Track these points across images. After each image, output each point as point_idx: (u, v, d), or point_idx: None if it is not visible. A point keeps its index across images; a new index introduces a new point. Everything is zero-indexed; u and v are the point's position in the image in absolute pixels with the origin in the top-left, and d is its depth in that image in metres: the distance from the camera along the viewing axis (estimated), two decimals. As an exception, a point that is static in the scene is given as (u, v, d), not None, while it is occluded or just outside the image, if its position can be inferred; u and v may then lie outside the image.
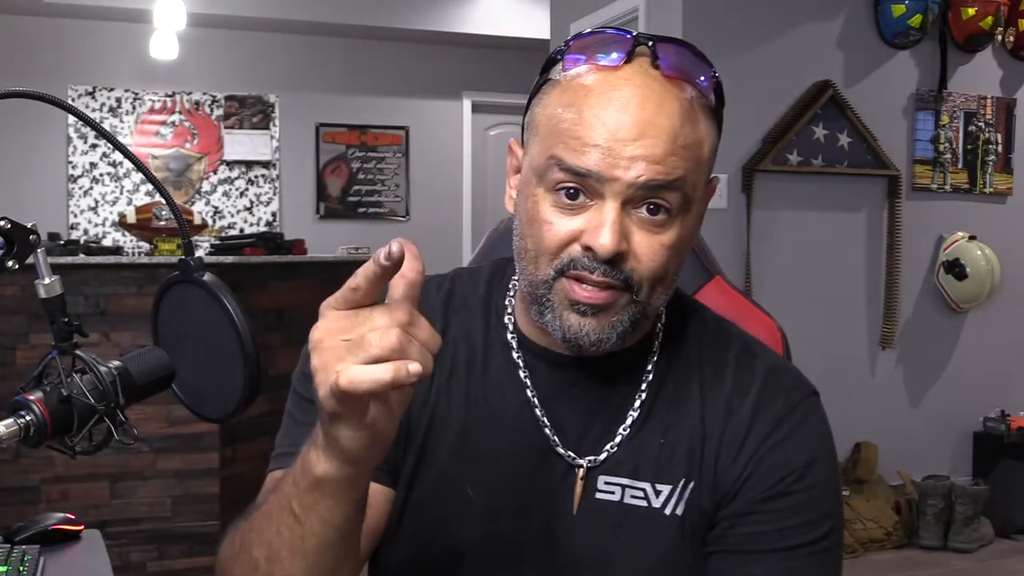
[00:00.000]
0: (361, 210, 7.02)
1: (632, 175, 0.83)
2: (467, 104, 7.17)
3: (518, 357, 0.96)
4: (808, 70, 3.99)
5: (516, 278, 0.97)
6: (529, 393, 0.95)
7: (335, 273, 4.11)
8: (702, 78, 0.88)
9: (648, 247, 0.86)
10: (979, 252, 4.15)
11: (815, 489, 0.91)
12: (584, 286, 0.86)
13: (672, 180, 0.84)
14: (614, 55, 0.86)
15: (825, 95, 3.95)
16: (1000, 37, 4.30)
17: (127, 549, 3.29)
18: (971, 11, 4.15)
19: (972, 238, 4.20)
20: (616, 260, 0.85)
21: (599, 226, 0.84)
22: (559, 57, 0.89)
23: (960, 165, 4.30)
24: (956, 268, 4.15)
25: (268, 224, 6.76)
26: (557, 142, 0.86)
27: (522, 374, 0.95)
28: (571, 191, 0.85)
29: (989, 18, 4.17)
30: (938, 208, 4.27)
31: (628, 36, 0.86)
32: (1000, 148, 4.38)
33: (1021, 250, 4.38)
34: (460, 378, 0.96)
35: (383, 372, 0.64)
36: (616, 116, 0.84)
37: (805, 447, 0.91)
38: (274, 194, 6.80)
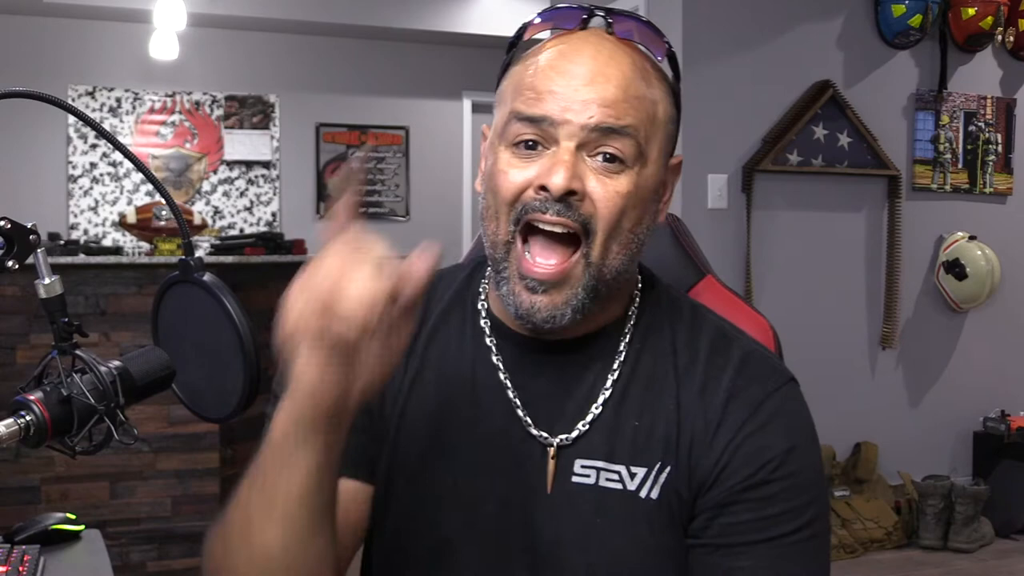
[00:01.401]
0: (361, 210, 7.01)
1: (584, 117, 0.86)
2: (467, 104, 7.16)
3: (491, 342, 0.97)
4: (808, 70, 3.99)
5: (490, 267, 0.99)
6: (501, 376, 0.95)
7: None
8: (655, 47, 0.94)
9: (603, 192, 0.87)
10: (979, 252, 4.15)
11: (796, 476, 0.89)
12: (537, 256, 0.88)
13: (623, 126, 0.87)
14: (570, 23, 0.92)
15: (825, 95, 3.94)
16: (1000, 37, 4.30)
17: (127, 549, 3.29)
18: (971, 11, 4.15)
19: (972, 238, 4.20)
20: (571, 201, 0.86)
21: (554, 165, 0.86)
22: (520, 35, 0.96)
23: (960, 165, 4.30)
24: (956, 268, 4.15)
25: (268, 224, 6.76)
26: (516, 98, 0.90)
27: (495, 358, 0.96)
28: (529, 143, 0.88)
29: (989, 18, 4.17)
30: (938, 208, 4.27)
31: (583, 7, 0.92)
32: (1000, 148, 4.38)
33: (1021, 250, 4.38)
34: (433, 366, 0.98)
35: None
36: (569, 67, 0.88)
37: (784, 434, 0.90)
38: (274, 194, 6.80)
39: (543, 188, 0.87)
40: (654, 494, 0.91)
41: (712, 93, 3.84)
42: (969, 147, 4.32)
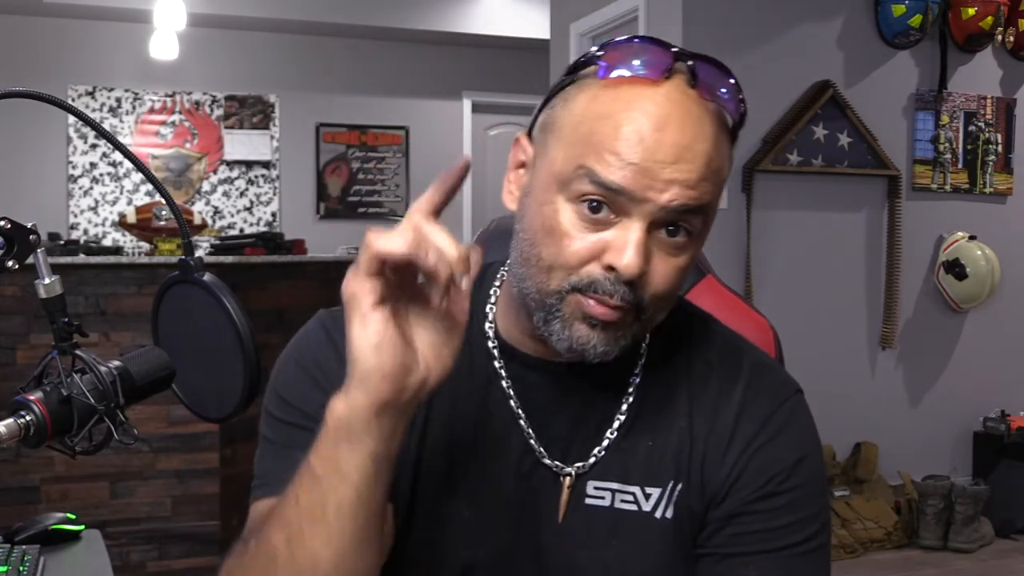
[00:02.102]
0: (361, 210, 7.02)
1: (666, 198, 0.81)
2: (467, 104, 7.17)
3: (500, 367, 0.94)
4: (808, 70, 3.99)
5: (497, 284, 0.96)
6: (513, 404, 0.93)
7: (335, 273, 4.11)
8: (735, 104, 0.87)
9: (664, 270, 0.84)
10: (979, 252, 4.15)
11: (804, 488, 0.90)
12: (595, 304, 0.84)
13: (702, 206, 0.83)
14: (651, 70, 0.83)
15: (825, 95, 3.94)
16: (1000, 37, 4.30)
17: (127, 549, 3.29)
18: (971, 11, 4.15)
19: (972, 238, 4.20)
20: (634, 282, 0.82)
21: (624, 246, 0.81)
22: (591, 62, 0.86)
23: (960, 165, 4.30)
24: (956, 268, 4.15)
25: (268, 224, 6.76)
26: (588, 152, 0.82)
27: (504, 384, 0.94)
28: (595, 204, 0.82)
29: (989, 18, 4.17)
30: (938, 208, 4.27)
31: (668, 50, 0.84)
32: (1000, 148, 4.38)
33: (1021, 250, 4.38)
34: (443, 394, 0.91)
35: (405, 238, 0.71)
36: (655, 135, 0.81)
37: (792, 446, 0.91)
38: (274, 194, 6.80)
39: (611, 268, 0.82)
40: (669, 513, 0.91)
41: (712, 93, 3.84)
42: (969, 147, 4.32)
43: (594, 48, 0.86)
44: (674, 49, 0.84)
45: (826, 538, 0.92)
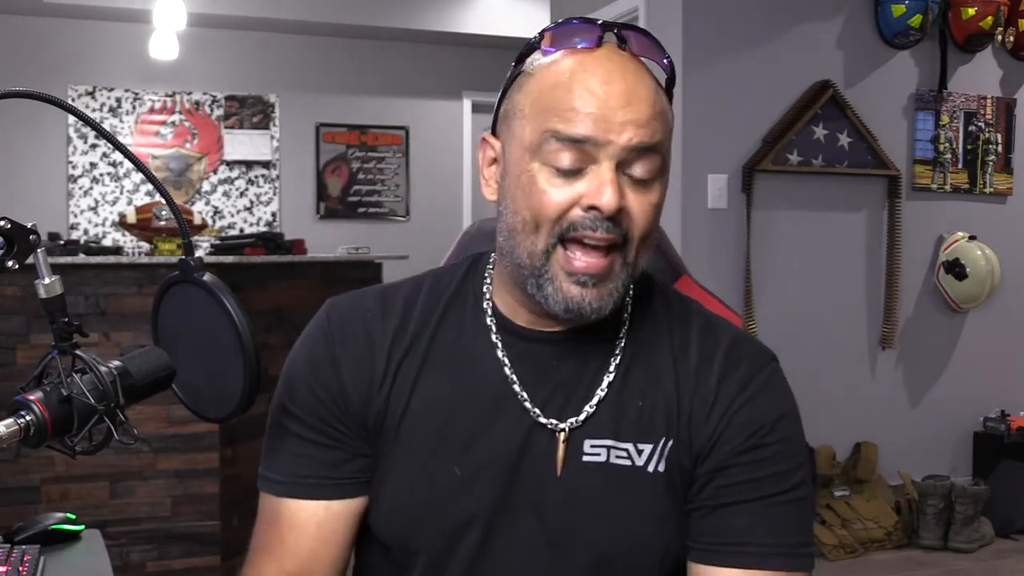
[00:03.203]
0: (361, 210, 7.02)
1: (625, 138, 0.91)
2: (467, 104, 7.17)
3: (496, 338, 1.01)
4: (808, 70, 3.99)
5: (490, 266, 1.05)
6: (507, 370, 1.00)
7: (335, 273, 4.11)
8: (663, 60, 0.99)
9: (639, 206, 0.94)
10: (979, 252, 4.15)
11: (784, 443, 0.98)
12: (581, 256, 0.93)
13: (656, 143, 0.93)
14: (587, 40, 0.95)
15: (825, 95, 3.94)
16: (1000, 37, 4.30)
17: (127, 549, 3.29)
18: (971, 11, 4.15)
19: (972, 238, 4.20)
20: (616, 218, 0.92)
21: (600, 186, 0.91)
22: (534, 48, 0.98)
23: (960, 165, 4.30)
24: (956, 268, 4.15)
25: (268, 224, 6.76)
26: (550, 116, 0.92)
27: (500, 353, 1.01)
28: (567, 163, 0.92)
29: (989, 18, 4.17)
30: (938, 208, 4.27)
31: (596, 23, 0.96)
32: (1000, 148, 4.38)
33: (1021, 250, 4.38)
34: (437, 364, 1.01)
35: None
36: (603, 87, 0.92)
37: (771, 405, 0.99)
38: (274, 194, 6.80)
39: (592, 207, 0.91)
40: (661, 467, 0.98)
41: (712, 93, 3.84)
42: (969, 147, 4.32)
43: (533, 37, 0.99)
44: (600, 22, 0.96)
45: (807, 491, 1.00)
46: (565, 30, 0.97)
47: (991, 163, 4.35)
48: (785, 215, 3.98)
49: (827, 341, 4.03)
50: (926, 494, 3.84)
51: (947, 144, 4.26)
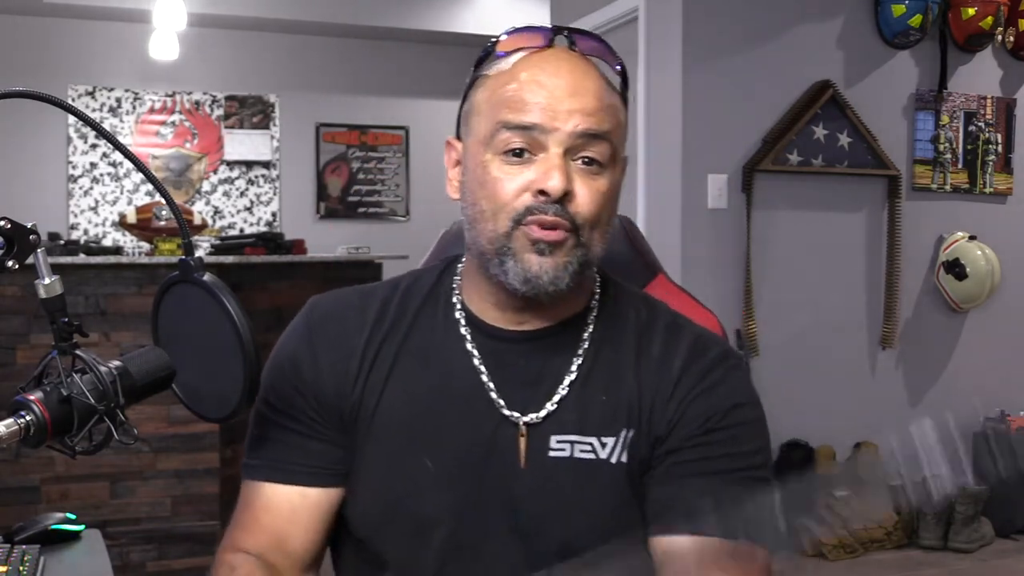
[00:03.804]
0: (361, 210, 7.02)
1: (571, 125, 0.97)
2: (467, 104, 7.17)
3: (465, 331, 1.06)
4: (808, 70, 3.99)
5: (461, 266, 1.10)
6: (476, 362, 1.04)
7: (335, 273, 4.11)
8: (612, 62, 1.04)
9: (587, 192, 0.98)
10: (979, 252, 4.14)
11: (740, 428, 1.02)
12: (538, 229, 0.97)
13: (603, 131, 0.98)
14: (538, 41, 1.02)
15: (825, 95, 3.94)
16: (1000, 37, 4.30)
17: (127, 549, 3.29)
18: (971, 11, 4.15)
19: (972, 238, 4.20)
20: (564, 201, 0.96)
21: (548, 170, 0.96)
22: (490, 52, 1.04)
23: (960, 165, 4.30)
24: (956, 268, 4.15)
25: (268, 224, 6.76)
26: (502, 109, 0.99)
27: (469, 346, 1.05)
28: (517, 151, 0.98)
29: (989, 18, 4.17)
30: (938, 208, 4.26)
31: (546, 27, 1.03)
32: (1000, 148, 4.38)
33: (1021, 250, 4.38)
34: (410, 360, 1.06)
35: None
36: (551, 79, 0.98)
37: (729, 395, 1.03)
38: (274, 194, 6.80)
39: (541, 192, 0.96)
40: (623, 458, 1.02)
41: (712, 93, 3.84)
42: (969, 147, 4.32)
43: (489, 43, 1.05)
44: (552, 25, 1.04)
45: (765, 476, 1.03)
46: (519, 34, 1.03)
47: (991, 163, 4.35)
48: (785, 215, 3.98)
49: (827, 341, 4.02)
50: (926, 494, 3.84)
51: (947, 144, 4.25)
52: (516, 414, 1.02)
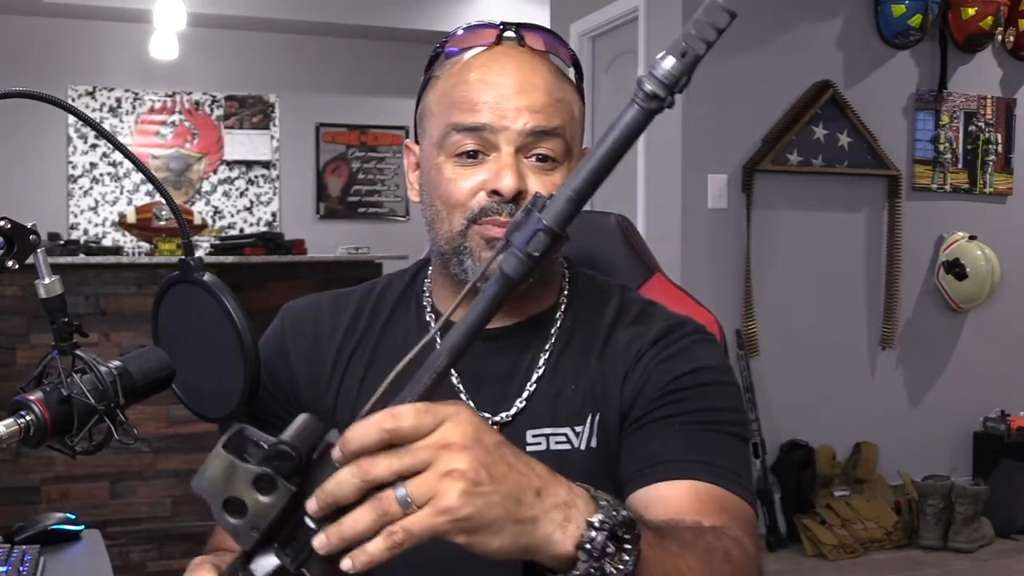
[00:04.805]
0: (361, 210, 7.02)
1: (520, 123, 0.96)
2: (467, 104, 7.17)
3: (437, 336, 1.02)
4: (808, 70, 3.99)
5: (430, 269, 1.09)
6: None
7: (335, 273, 4.11)
8: (562, 54, 1.04)
9: (542, 188, 0.96)
10: (979, 252, 4.15)
11: (704, 387, 0.98)
12: (494, 227, 0.96)
13: (553, 127, 0.97)
14: (485, 40, 1.01)
15: (825, 95, 3.94)
16: (1000, 37, 4.30)
17: (127, 549, 3.29)
18: (971, 11, 4.15)
19: (972, 238, 4.20)
20: (518, 200, 0.95)
21: (500, 170, 0.96)
22: (439, 52, 1.04)
23: (960, 165, 4.30)
24: (956, 268, 4.15)
25: (268, 224, 6.76)
26: (452, 111, 0.98)
27: (439, 346, 1.00)
28: (470, 153, 0.97)
29: (989, 18, 4.17)
30: (938, 208, 4.27)
31: (496, 24, 1.02)
32: (1000, 148, 4.38)
33: (1021, 250, 4.38)
34: (383, 364, 1.04)
35: None
36: (498, 79, 0.98)
37: (691, 359, 1.00)
38: (274, 194, 6.80)
39: (495, 192, 0.96)
40: (594, 443, 1.00)
41: (712, 93, 3.84)
42: (969, 147, 4.32)
43: (438, 44, 1.05)
44: (499, 23, 1.02)
45: (743, 432, 1.00)
46: (467, 33, 1.03)
47: (991, 163, 4.35)
48: (785, 215, 3.98)
49: (827, 341, 4.02)
50: (926, 494, 3.84)
51: (947, 144, 4.25)
52: (487, 414, 1.01)
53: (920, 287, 4.25)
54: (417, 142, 1.07)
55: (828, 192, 4.03)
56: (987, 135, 4.34)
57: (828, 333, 4.03)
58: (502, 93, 0.97)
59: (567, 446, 1.00)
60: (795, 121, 3.91)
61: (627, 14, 4.25)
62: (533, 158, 0.98)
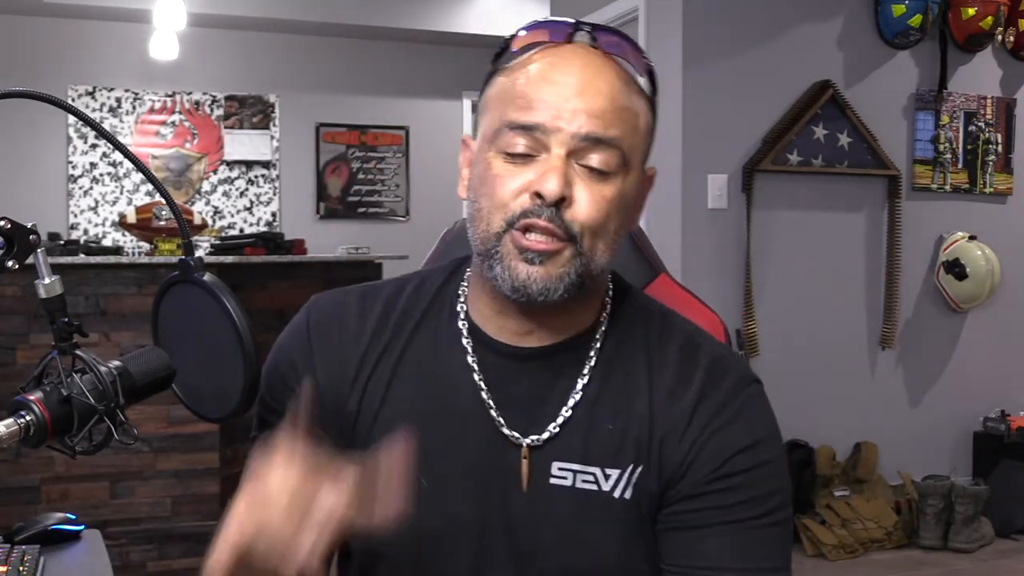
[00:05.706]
0: (361, 210, 7.02)
1: (575, 127, 0.90)
2: (467, 104, 7.16)
3: (468, 344, 1.00)
4: (808, 70, 3.99)
5: (469, 272, 1.03)
6: (476, 377, 0.98)
7: (335, 273, 4.11)
8: (636, 62, 0.96)
9: (590, 197, 0.91)
10: (979, 252, 4.15)
11: (759, 468, 0.94)
12: (531, 236, 0.91)
13: (611, 137, 0.91)
14: (556, 36, 0.95)
15: (825, 95, 3.94)
16: (1000, 37, 4.30)
17: (127, 549, 3.29)
18: (971, 11, 4.15)
19: (972, 238, 4.20)
20: (560, 206, 0.90)
21: (546, 172, 0.90)
22: (506, 47, 0.97)
23: (960, 165, 4.30)
24: (956, 268, 4.15)
25: (268, 224, 6.76)
26: (507, 107, 0.93)
27: (470, 359, 0.99)
28: (521, 153, 0.92)
29: (989, 18, 4.17)
30: (938, 208, 4.27)
31: (569, 22, 0.96)
32: (1000, 148, 4.38)
33: (1021, 250, 4.38)
34: (410, 373, 1.01)
35: None
36: (560, 76, 0.92)
37: (746, 431, 0.95)
38: (274, 194, 6.80)
39: (538, 195, 0.90)
40: (628, 494, 0.95)
41: (712, 93, 3.84)
42: (969, 147, 4.32)
43: (507, 37, 0.98)
44: (575, 20, 0.96)
45: (786, 515, 0.97)
46: (538, 28, 0.97)
47: (991, 163, 4.35)
48: (785, 215, 3.98)
49: (827, 341, 4.02)
50: (926, 494, 3.84)
51: (947, 144, 4.25)
52: (516, 434, 0.97)
53: (920, 287, 4.25)
54: (475, 137, 1.02)
55: (828, 192, 4.03)
56: (987, 135, 4.34)
57: (828, 333, 4.03)
58: (562, 93, 0.91)
59: (593, 487, 0.96)
60: (795, 121, 3.91)
61: (627, 14, 4.25)
62: (587, 165, 0.92)
